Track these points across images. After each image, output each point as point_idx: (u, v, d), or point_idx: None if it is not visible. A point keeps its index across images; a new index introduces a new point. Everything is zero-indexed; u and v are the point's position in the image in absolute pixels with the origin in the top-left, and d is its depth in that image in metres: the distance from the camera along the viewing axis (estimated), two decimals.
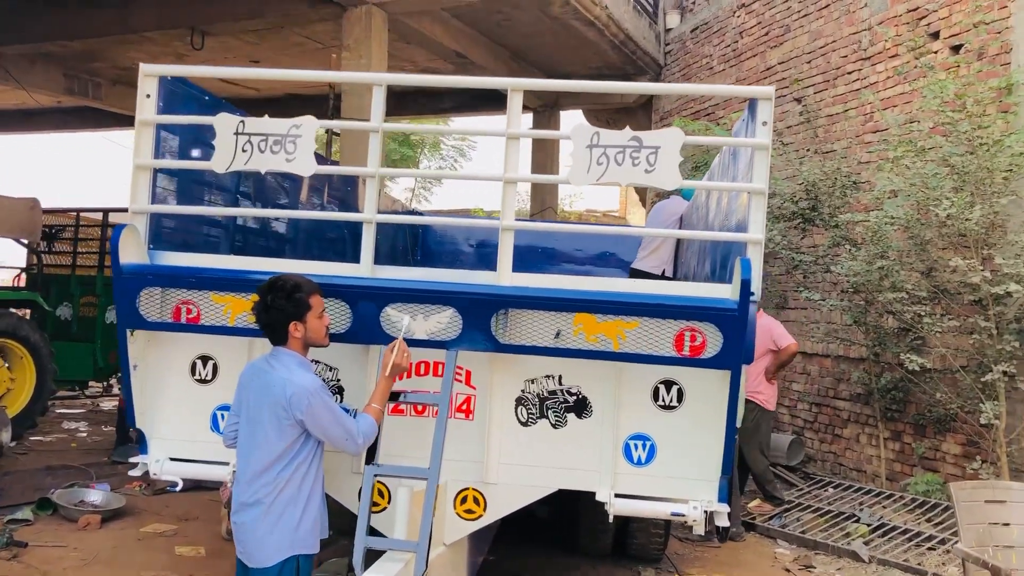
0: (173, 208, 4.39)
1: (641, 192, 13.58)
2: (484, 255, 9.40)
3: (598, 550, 6.80)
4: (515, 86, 4.12)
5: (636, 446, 4.16)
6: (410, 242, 9.06)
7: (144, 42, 12.75)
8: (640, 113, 14.85)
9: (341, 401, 4.28)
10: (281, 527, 3.55)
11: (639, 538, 6.55)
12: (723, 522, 4.07)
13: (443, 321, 3.96)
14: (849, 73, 10.12)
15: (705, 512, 4.01)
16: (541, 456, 4.21)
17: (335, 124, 4.13)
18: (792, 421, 10.54)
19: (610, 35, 12.48)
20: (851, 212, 8.69)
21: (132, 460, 4.35)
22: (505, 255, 4.10)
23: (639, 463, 4.16)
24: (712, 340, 3.89)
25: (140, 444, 4.39)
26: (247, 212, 4.38)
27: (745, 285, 3.72)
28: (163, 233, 4.60)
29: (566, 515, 6.47)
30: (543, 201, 15.38)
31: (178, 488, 4.25)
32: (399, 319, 3.96)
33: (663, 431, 4.14)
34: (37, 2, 11.76)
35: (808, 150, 10.22)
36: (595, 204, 30.65)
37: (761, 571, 6.95)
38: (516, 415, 4.23)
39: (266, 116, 4.20)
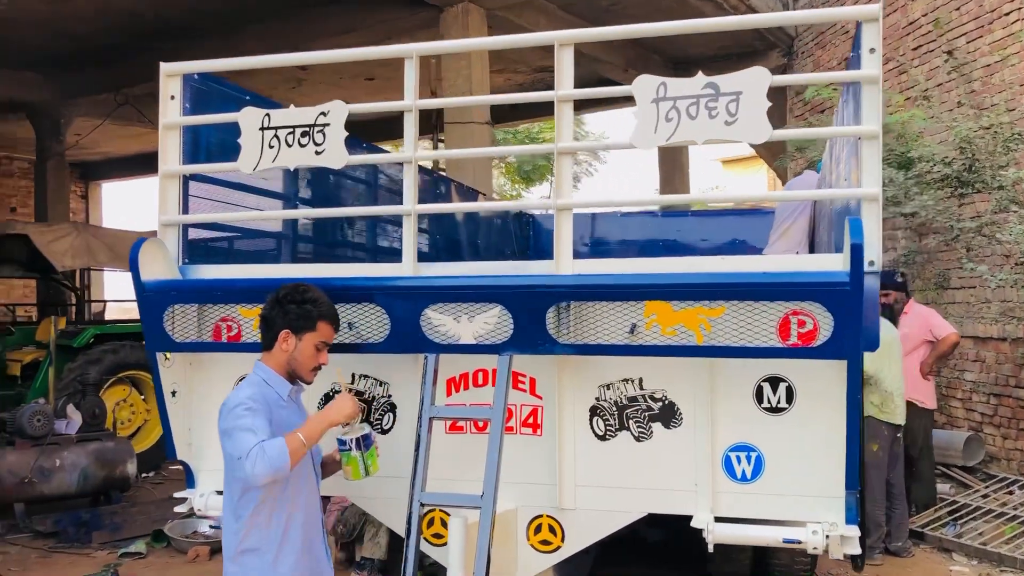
0: (202, 217, 3.99)
1: (782, 172, 12.50)
2: (602, 251, 8.75)
3: (735, 571, 6.00)
4: (562, 39, 3.49)
5: (739, 459, 3.42)
6: (520, 243, 8.52)
7: (255, 73, 12.80)
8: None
9: (389, 424, 3.76)
10: None
11: (782, 558, 5.71)
12: (853, 549, 3.27)
13: (490, 321, 3.36)
14: (1007, 15, 8.85)
15: (827, 536, 3.22)
16: (624, 475, 3.54)
17: (364, 107, 3.58)
18: (968, 416, 9.27)
19: (730, 7, 11.55)
20: (1018, 170, 7.49)
21: (177, 496, 3.97)
22: (563, 240, 3.46)
23: (743, 479, 3.42)
24: (824, 324, 3.11)
25: (187, 478, 4.00)
26: (276, 215, 3.95)
27: (856, 251, 2.94)
28: (206, 247, 4.23)
29: (685, 533, 5.69)
30: (674, 191, 14.53)
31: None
32: (442, 322, 3.40)
33: (771, 439, 3.39)
34: (153, 37, 12.00)
35: (960, 104, 9.00)
36: (741, 190, 29.18)
37: None
38: (592, 428, 3.58)
39: (292, 107, 3.75)
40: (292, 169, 3.71)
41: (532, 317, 3.29)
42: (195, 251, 4.12)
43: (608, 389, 3.55)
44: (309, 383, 3.23)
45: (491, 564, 3.43)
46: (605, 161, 27.94)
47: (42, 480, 7.75)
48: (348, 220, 5.47)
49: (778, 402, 3.37)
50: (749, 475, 3.41)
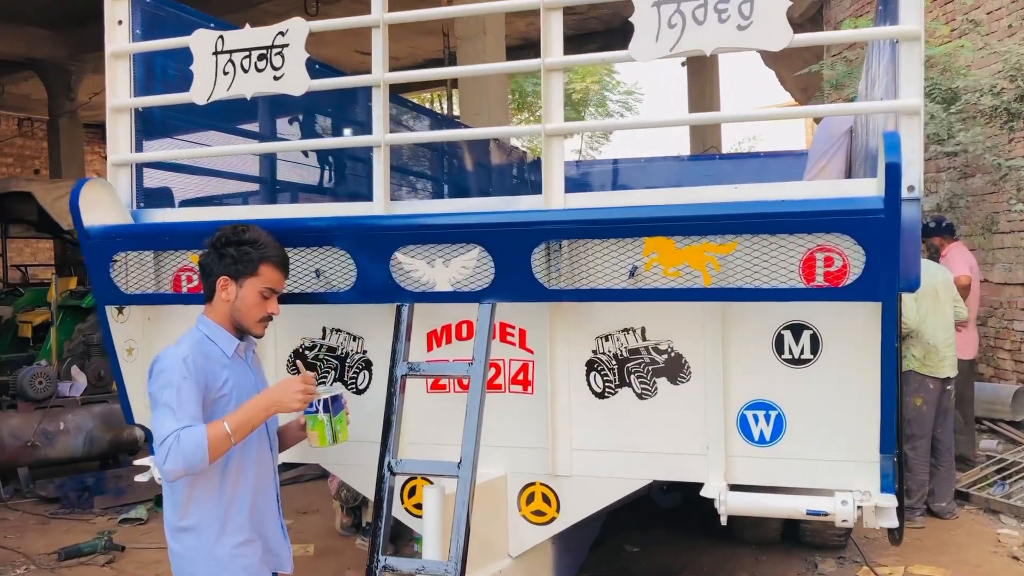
0: (154, 156, 3.59)
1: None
2: None
3: (763, 537, 5.60)
4: None
5: (756, 418, 2.98)
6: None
7: (264, 16, 12.34)
8: (809, 28, 13.04)
9: (364, 383, 3.36)
10: (195, 560, 2.64)
11: (813, 523, 5.29)
12: (889, 521, 2.82)
13: (469, 265, 2.93)
14: None
15: (859, 508, 2.78)
16: (625, 438, 3.11)
17: (326, 24, 3.13)
18: (1016, 368, 8.70)
19: None
20: None
21: (138, 463, 3.61)
22: (553, 171, 3.01)
23: (762, 441, 2.98)
24: (855, 261, 2.65)
25: (149, 444, 3.64)
26: (238, 150, 3.51)
27: (892, 172, 2.46)
28: (168, 193, 3.84)
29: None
30: (704, 141, 13.91)
31: None
32: (414, 267, 2.97)
33: (794, 395, 2.94)
34: None
35: (1011, 28, 8.32)
36: (780, 143, 28.32)
37: (979, 558, 5.48)
38: (589, 384, 3.15)
39: (247, 26, 3.31)
40: (249, 98, 3.27)
41: (515, 259, 2.86)
42: (157, 196, 3.73)
43: (607, 340, 3.11)
44: (259, 336, 2.78)
45: (477, 537, 3.05)
46: (637, 112, 27.19)
47: (46, 444, 7.51)
48: (330, 161, 5.06)
49: (801, 353, 2.92)
50: (768, 437, 2.97)
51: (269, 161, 4.38)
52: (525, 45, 15.11)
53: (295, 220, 3.15)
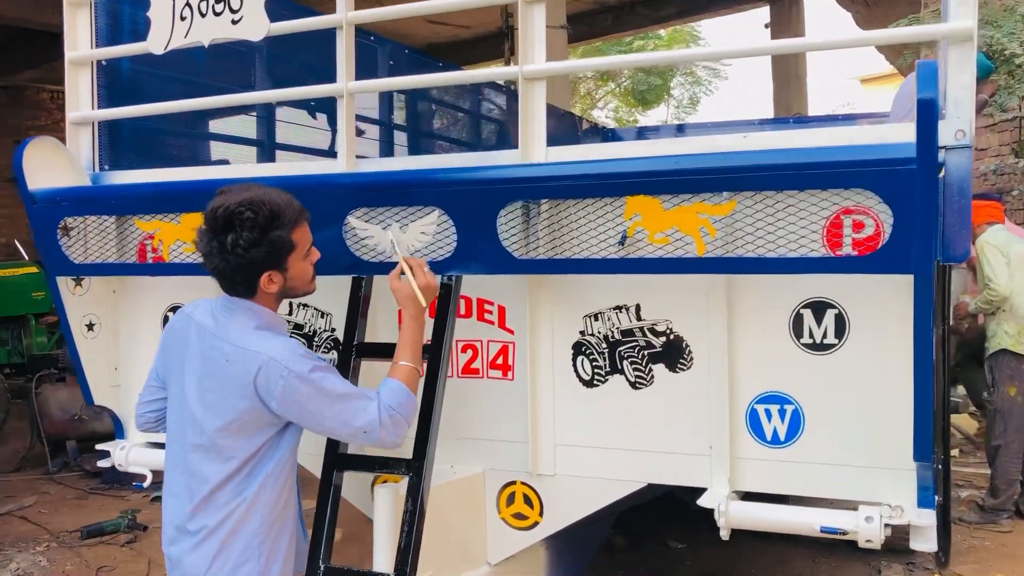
0: (114, 112, 3.26)
1: (905, 71, 10.93)
2: None
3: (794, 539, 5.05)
4: None
5: (769, 414, 2.50)
6: None
7: None
8: None
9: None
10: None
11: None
12: (926, 544, 2.31)
13: (428, 231, 2.52)
14: None
15: (886, 526, 2.28)
16: (617, 433, 2.67)
17: None
18: None
19: None
20: None
21: (100, 448, 3.34)
22: (533, 120, 2.56)
23: (775, 441, 2.50)
24: (888, 224, 2.14)
25: (115, 427, 3.37)
26: (193, 105, 3.17)
27: (926, 110, 1.94)
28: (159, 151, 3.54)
29: None
30: (788, 108, 13.08)
31: (146, 483, 3.18)
32: (368, 232, 2.58)
33: (814, 388, 2.45)
34: None
35: None
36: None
37: None
38: (576, 370, 2.71)
39: None
40: (207, 46, 2.93)
41: (479, 223, 2.43)
42: (130, 157, 3.44)
43: (596, 320, 2.67)
44: (312, 291, 2.41)
45: (452, 542, 2.68)
46: (726, 77, 26.14)
47: (93, 417, 7.45)
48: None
49: (824, 336, 2.42)
50: (783, 436, 2.49)
51: (264, 123, 4.06)
52: (600, 9, 14.52)
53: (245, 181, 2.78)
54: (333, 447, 2.53)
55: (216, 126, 3.86)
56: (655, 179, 2.21)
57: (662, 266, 2.28)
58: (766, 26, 14.29)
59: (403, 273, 2.42)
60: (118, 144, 3.39)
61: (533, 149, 2.56)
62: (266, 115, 4.09)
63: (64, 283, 3.18)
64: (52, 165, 3.08)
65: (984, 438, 5.81)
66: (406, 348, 2.37)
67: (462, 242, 2.47)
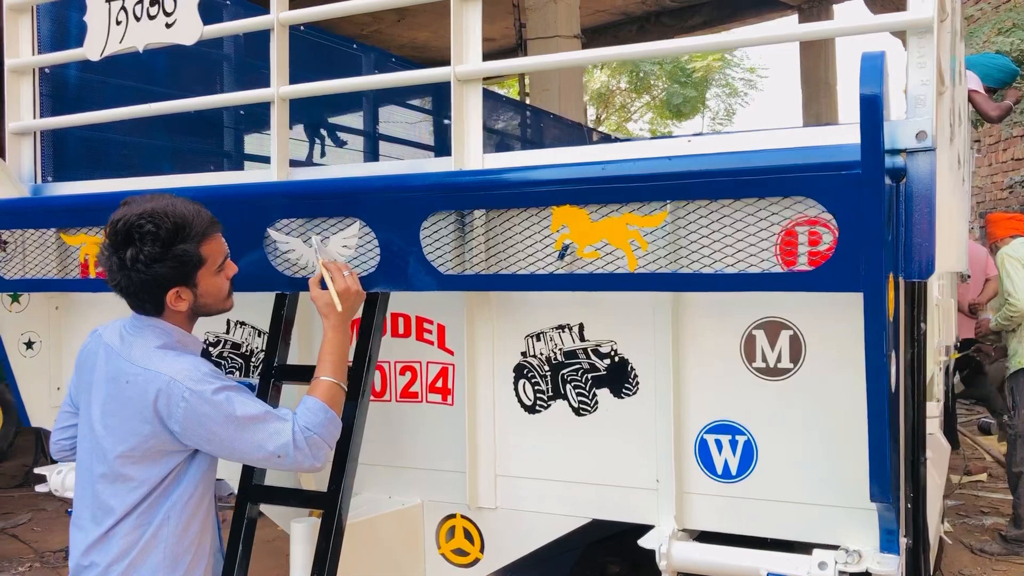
0: (53, 122, 3.13)
1: None
2: None
3: None
4: None
5: (720, 445, 2.27)
6: None
7: None
8: None
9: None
10: None
11: None
12: None
13: (350, 243, 2.34)
14: None
15: (844, 574, 2.04)
16: (560, 464, 2.46)
17: None
18: None
19: None
20: None
21: (38, 471, 3.20)
22: (468, 123, 2.37)
23: (727, 476, 2.27)
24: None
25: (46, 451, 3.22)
26: (131, 113, 3.03)
27: (869, 108, 1.71)
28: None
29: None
30: (818, 116, 12.75)
31: None
32: (290, 246, 2.41)
33: (768, 416, 2.22)
34: None
35: None
36: None
37: None
38: (517, 395, 2.50)
39: None
40: (141, 51, 2.79)
41: (401, 235, 2.24)
42: (70, 166, 3.31)
43: (538, 340, 2.46)
44: (228, 309, 2.26)
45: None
46: (762, 89, 25.82)
47: None
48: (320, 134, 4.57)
49: (778, 360, 2.19)
50: (734, 470, 2.26)
51: (230, 131, 3.92)
52: (624, 20, 14.33)
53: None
54: (248, 476, 2.35)
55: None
56: (579, 187, 2.01)
57: (588, 283, 2.07)
58: None
59: (323, 281, 2.26)
60: (62, 155, 3.26)
61: (468, 156, 2.37)
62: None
63: (6, 300, 3.05)
64: None
65: (1006, 464, 5.49)
66: (326, 362, 2.20)
67: (384, 256, 2.28)
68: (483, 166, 2.36)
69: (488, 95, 6.73)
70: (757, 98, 26.32)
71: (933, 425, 2.60)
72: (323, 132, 4.58)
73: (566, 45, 8.74)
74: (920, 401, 2.29)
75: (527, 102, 9.01)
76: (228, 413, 2.03)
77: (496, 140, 6.10)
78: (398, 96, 4.96)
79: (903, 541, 2.14)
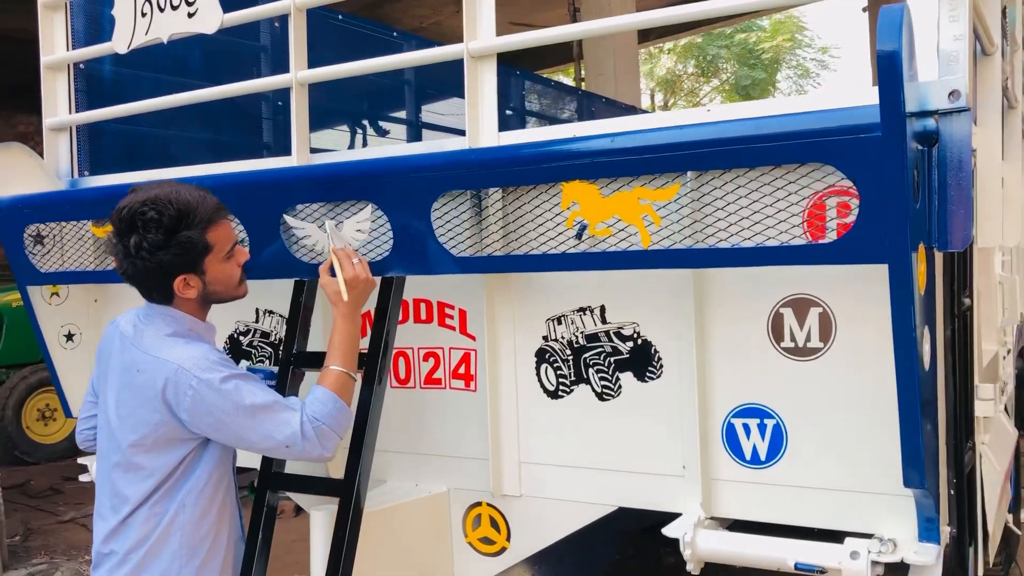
0: (88, 116, 3.15)
1: None
2: None
3: None
4: None
5: (748, 429, 2.17)
6: None
7: None
8: None
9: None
10: None
11: None
12: None
13: (364, 227, 2.29)
14: None
15: (874, 563, 1.92)
16: (584, 450, 2.38)
17: None
18: None
19: None
20: None
21: (81, 461, 3.25)
22: (485, 102, 2.31)
23: (755, 461, 2.16)
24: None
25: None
26: (158, 104, 3.03)
27: (888, 63, 1.59)
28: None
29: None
30: None
31: None
32: (306, 231, 2.38)
33: (798, 399, 2.10)
34: None
35: None
36: None
37: None
38: (540, 380, 2.43)
39: None
40: (166, 43, 2.80)
41: (412, 216, 2.19)
42: (106, 159, 3.35)
43: (559, 324, 2.39)
44: (243, 295, 2.25)
45: (416, 568, 2.46)
46: (835, 70, 25.11)
47: None
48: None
49: (807, 340, 2.08)
50: (763, 455, 2.15)
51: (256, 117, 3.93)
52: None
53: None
54: (268, 464, 2.33)
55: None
56: (587, 161, 1.92)
57: (599, 261, 1.99)
58: (864, 10, 13.52)
59: (333, 268, 2.22)
60: (98, 150, 3.31)
61: (482, 135, 2.30)
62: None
63: (37, 293, 3.10)
64: (21, 171, 3.00)
65: None
66: (335, 351, 2.17)
67: (397, 239, 2.23)
68: (499, 144, 2.29)
69: (536, 79, 6.66)
70: (829, 79, 25.48)
71: (989, 408, 2.43)
72: (365, 123, 4.58)
73: (622, 33, 8.59)
74: (965, 381, 2.15)
75: (583, 87, 8.89)
76: (236, 402, 2.01)
77: (544, 126, 6.04)
78: (446, 87, 4.91)
79: (945, 530, 2.01)
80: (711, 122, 1.90)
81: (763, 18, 22.65)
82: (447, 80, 4.98)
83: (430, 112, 4.96)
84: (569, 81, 11.10)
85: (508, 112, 6.02)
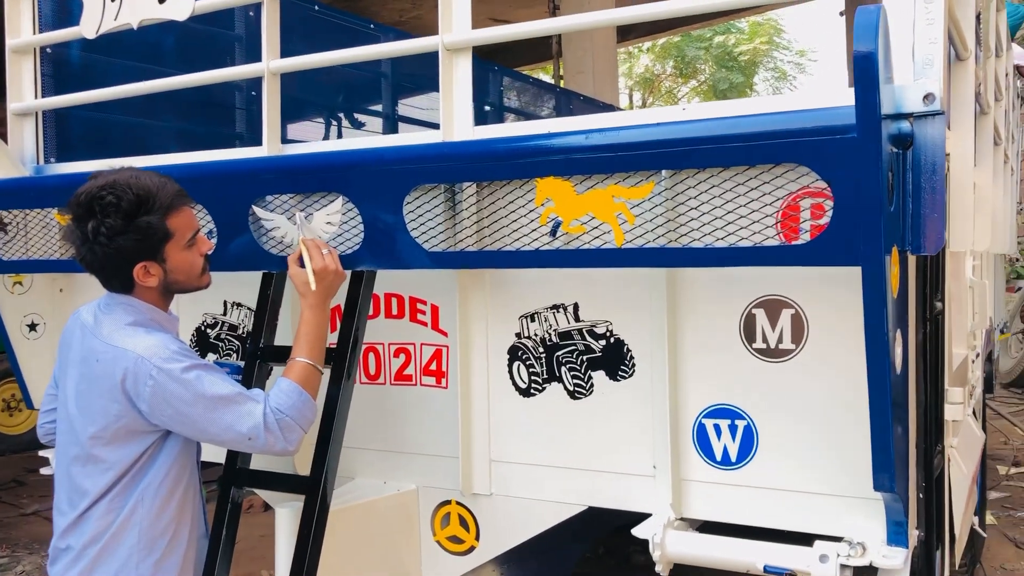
0: (54, 101, 3.09)
1: None
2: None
3: None
4: None
5: (719, 430, 2.16)
6: None
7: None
8: None
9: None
10: None
11: None
12: None
13: (334, 220, 2.26)
14: None
15: (843, 566, 1.92)
16: (555, 448, 2.36)
17: None
18: None
19: None
20: None
21: (42, 454, 3.18)
22: (458, 96, 2.28)
23: (726, 462, 2.15)
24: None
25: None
26: (128, 91, 2.98)
27: (864, 64, 1.59)
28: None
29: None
30: None
31: None
32: (274, 223, 2.34)
33: (769, 400, 2.10)
34: None
35: None
36: None
37: None
38: (512, 377, 2.41)
39: None
40: (136, 28, 2.74)
41: (383, 209, 2.16)
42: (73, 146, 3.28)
43: (532, 321, 2.37)
44: (205, 286, 2.20)
45: (385, 565, 2.43)
46: (811, 73, 25.30)
47: None
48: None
49: (779, 341, 2.07)
50: (734, 456, 2.14)
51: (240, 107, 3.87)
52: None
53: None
54: (233, 460, 2.29)
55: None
56: (561, 157, 1.90)
57: (572, 259, 1.97)
58: (840, 14, 13.60)
59: (301, 258, 2.19)
60: (64, 137, 3.24)
61: (457, 128, 2.27)
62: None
63: (7, 281, 3.03)
64: None
65: None
66: (302, 343, 2.13)
67: (368, 232, 2.20)
68: (473, 138, 2.27)
69: (514, 75, 6.63)
70: (806, 82, 25.66)
71: (958, 412, 2.44)
72: (340, 116, 4.54)
73: (601, 31, 8.59)
74: (935, 385, 2.15)
75: (561, 85, 8.87)
76: (197, 392, 1.97)
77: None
78: (423, 81, 4.87)
79: (914, 533, 2.01)
80: (686, 120, 1.88)
81: (742, 20, 22.77)
82: (424, 75, 4.97)
83: (406, 106, 4.91)
84: (548, 79, 11.07)
85: (486, 108, 5.99)
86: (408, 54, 2.45)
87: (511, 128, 2.36)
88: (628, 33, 13.37)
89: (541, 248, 2.02)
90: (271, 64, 2.53)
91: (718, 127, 1.76)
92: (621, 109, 8.37)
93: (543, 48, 10.38)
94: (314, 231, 2.26)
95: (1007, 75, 4.59)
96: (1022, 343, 9.41)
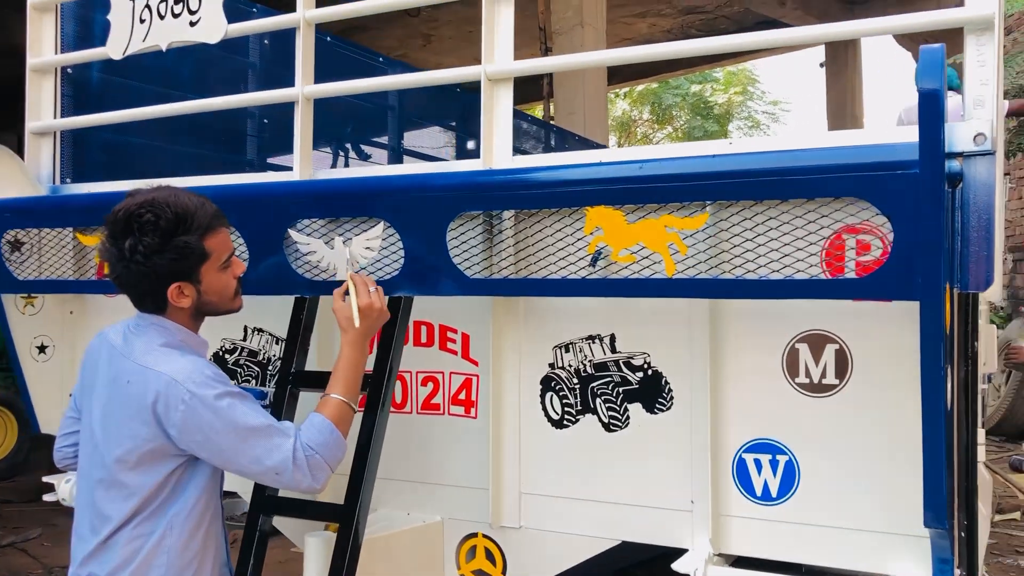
0: (73, 121, 3.06)
1: None
2: None
3: None
4: None
5: (760, 465, 2.15)
6: None
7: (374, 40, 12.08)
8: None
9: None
10: None
11: None
12: None
13: (373, 245, 2.24)
14: None
15: None
16: (588, 482, 2.34)
17: None
18: None
19: None
20: None
21: (46, 479, 3.10)
22: (499, 126, 2.28)
23: (766, 498, 2.14)
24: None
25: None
26: (152, 113, 2.97)
27: (929, 101, 1.61)
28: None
29: None
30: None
31: None
32: (311, 247, 2.31)
33: (811, 435, 2.09)
34: None
35: None
36: None
37: None
38: (545, 408, 2.39)
39: None
40: (165, 50, 2.73)
41: (426, 236, 2.14)
42: (91, 167, 3.25)
43: (567, 351, 2.35)
44: (237, 309, 2.14)
45: None
46: (785, 123, 25.74)
47: None
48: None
49: (823, 376, 2.07)
50: (775, 492, 2.13)
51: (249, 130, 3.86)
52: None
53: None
54: (261, 488, 2.24)
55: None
56: (614, 187, 1.91)
57: (622, 288, 1.96)
58: (821, 65, 13.90)
59: (347, 293, 2.15)
60: (82, 158, 3.20)
61: (497, 156, 2.28)
62: None
63: (11, 301, 2.97)
64: (2, 175, 2.89)
65: None
66: (339, 379, 2.08)
67: (408, 258, 2.18)
68: (513, 167, 2.27)
69: (521, 115, 6.68)
70: (780, 132, 26.04)
71: (982, 452, 2.46)
72: (348, 147, 4.53)
73: (593, 72, 8.69)
74: (973, 423, 2.16)
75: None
76: (229, 421, 1.92)
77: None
78: (428, 117, 4.90)
79: (957, 572, 2.00)
80: (745, 152, 1.89)
81: (717, 70, 23.16)
82: (427, 108, 5.00)
83: (411, 138, 4.92)
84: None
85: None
86: (449, 83, 2.44)
87: (546, 159, 2.36)
88: (614, 76, 13.56)
89: (588, 277, 2.01)
90: (305, 89, 2.52)
91: (779, 160, 1.78)
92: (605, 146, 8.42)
93: (532, 88, 10.46)
94: (354, 256, 2.23)
95: None
96: (998, 391, 9.53)
